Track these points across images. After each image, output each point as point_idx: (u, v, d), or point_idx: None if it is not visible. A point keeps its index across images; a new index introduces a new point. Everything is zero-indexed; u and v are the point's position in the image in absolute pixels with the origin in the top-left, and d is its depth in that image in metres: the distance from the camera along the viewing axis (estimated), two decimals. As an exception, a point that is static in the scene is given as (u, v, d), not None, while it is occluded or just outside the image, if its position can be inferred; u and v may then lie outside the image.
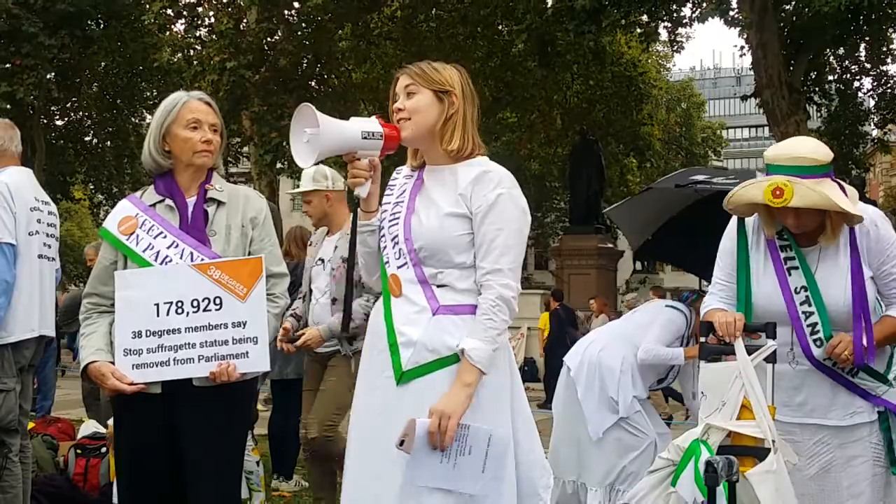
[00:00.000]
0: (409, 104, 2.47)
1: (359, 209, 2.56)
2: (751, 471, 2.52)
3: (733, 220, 2.89)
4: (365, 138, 2.41)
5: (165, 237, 2.72)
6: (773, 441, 2.55)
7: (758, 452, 2.56)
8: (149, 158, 2.81)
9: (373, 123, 2.45)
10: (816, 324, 2.72)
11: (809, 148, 2.71)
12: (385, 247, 2.51)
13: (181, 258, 2.69)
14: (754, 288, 2.80)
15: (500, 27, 20.35)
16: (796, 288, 2.73)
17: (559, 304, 12.57)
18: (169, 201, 2.78)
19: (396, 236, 2.47)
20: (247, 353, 2.64)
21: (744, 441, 2.61)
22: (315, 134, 2.36)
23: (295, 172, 21.91)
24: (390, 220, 2.51)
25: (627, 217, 5.61)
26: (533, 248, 37.75)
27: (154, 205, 2.79)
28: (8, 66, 18.88)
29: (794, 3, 15.59)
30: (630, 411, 4.43)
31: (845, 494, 2.74)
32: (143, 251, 2.71)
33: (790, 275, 2.75)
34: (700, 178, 4.72)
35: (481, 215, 2.40)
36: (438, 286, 2.42)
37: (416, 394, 2.37)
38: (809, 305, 2.72)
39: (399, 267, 2.45)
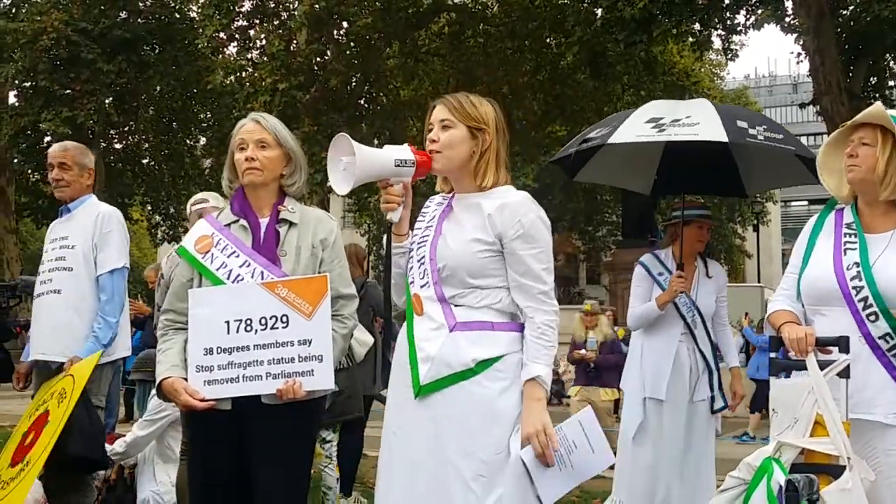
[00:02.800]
0: (444, 138, 2.55)
1: (392, 232, 2.65)
2: (826, 489, 2.46)
3: (812, 219, 2.99)
4: (398, 166, 2.52)
5: (238, 256, 2.78)
6: (849, 458, 2.49)
7: (832, 470, 2.51)
8: (225, 183, 2.92)
9: (405, 151, 2.54)
10: (868, 297, 2.68)
11: None
12: (412, 267, 2.61)
13: (252, 277, 2.74)
14: (810, 264, 2.86)
15: (548, 40, 20.24)
16: (848, 265, 2.75)
17: None
18: (243, 221, 2.85)
19: (423, 257, 2.57)
20: (312, 370, 2.67)
21: (817, 458, 2.55)
22: (351, 162, 2.46)
23: (346, 190, 22.09)
24: (419, 243, 2.61)
25: (612, 174, 5.01)
26: (585, 263, 37.37)
27: (229, 224, 2.86)
28: (68, 91, 19.52)
29: (851, 7, 15.28)
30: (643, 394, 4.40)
31: None
32: (217, 269, 2.77)
33: (845, 254, 2.78)
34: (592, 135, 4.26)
35: (513, 240, 2.48)
36: (456, 305, 2.51)
37: (431, 407, 2.48)
38: (860, 280, 2.70)
39: (422, 286, 2.55)
